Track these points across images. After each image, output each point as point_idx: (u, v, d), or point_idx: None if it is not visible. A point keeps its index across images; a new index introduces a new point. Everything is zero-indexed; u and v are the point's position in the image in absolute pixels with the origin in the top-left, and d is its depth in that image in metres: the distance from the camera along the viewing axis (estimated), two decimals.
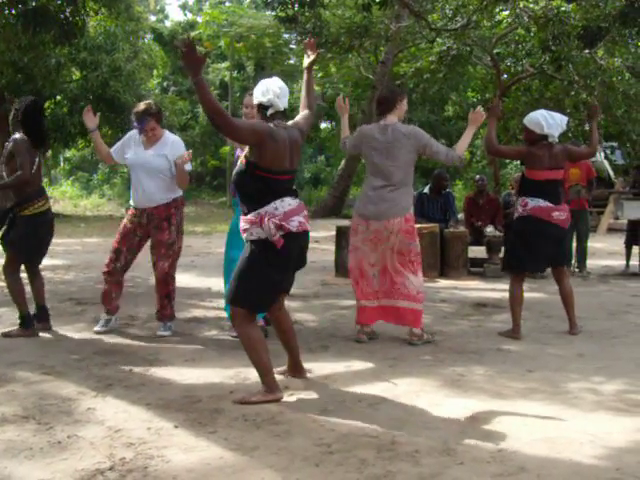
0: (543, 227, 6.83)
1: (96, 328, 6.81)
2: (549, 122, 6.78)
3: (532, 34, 18.89)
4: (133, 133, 6.87)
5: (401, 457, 3.75)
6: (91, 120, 6.72)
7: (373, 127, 6.67)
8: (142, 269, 9.26)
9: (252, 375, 5.17)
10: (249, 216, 4.72)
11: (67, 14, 13.27)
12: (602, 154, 25.17)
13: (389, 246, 6.58)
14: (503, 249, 7.41)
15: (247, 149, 4.78)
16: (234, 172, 4.89)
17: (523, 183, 7.03)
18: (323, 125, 42.42)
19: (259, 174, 4.69)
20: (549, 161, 6.84)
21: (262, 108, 4.85)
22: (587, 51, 17.36)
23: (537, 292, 9.61)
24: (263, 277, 4.74)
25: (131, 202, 6.84)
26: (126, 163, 6.86)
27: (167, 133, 6.87)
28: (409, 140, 6.53)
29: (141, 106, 6.72)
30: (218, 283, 8.18)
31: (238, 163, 4.89)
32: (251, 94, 6.72)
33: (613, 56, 18.62)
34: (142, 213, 6.69)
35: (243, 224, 4.76)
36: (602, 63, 18.19)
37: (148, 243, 6.83)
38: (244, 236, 4.78)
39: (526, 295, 7.39)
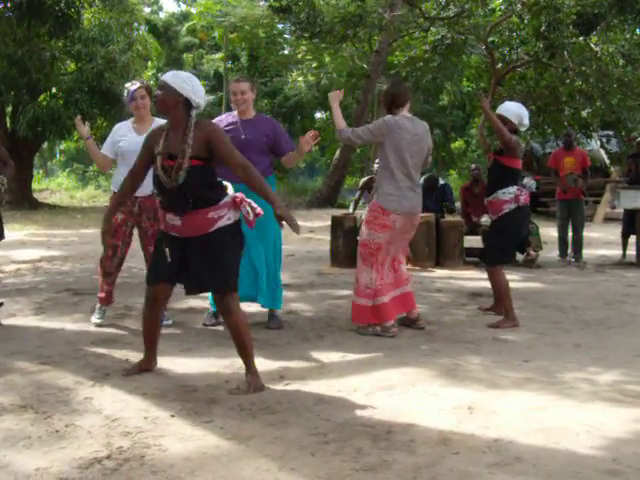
0: (528, 213, 7.27)
1: (95, 320, 6.77)
2: (525, 113, 6.94)
3: (526, 22, 18.86)
4: (120, 125, 6.91)
5: (397, 446, 3.75)
6: (83, 129, 6.67)
7: (400, 118, 6.57)
8: (138, 259, 9.25)
9: None
10: (222, 202, 4.66)
11: (62, 6, 13.23)
12: (598, 142, 25.17)
13: (407, 237, 6.80)
14: (490, 242, 7.32)
15: (191, 150, 4.60)
16: (186, 172, 4.58)
17: (505, 173, 7.02)
18: (318, 115, 42.39)
19: (212, 166, 4.73)
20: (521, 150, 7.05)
21: (190, 106, 4.73)
22: (582, 38, 17.35)
23: (533, 282, 9.63)
24: (240, 259, 4.90)
25: (115, 189, 6.64)
26: (120, 152, 6.68)
27: (156, 119, 6.85)
28: (428, 137, 6.74)
29: (132, 81, 6.93)
30: None
31: (183, 170, 4.57)
32: (238, 80, 6.72)
33: (607, 42, 18.59)
34: (133, 202, 6.63)
35: (215, 213, 4.63)
36: (597, 50, 18.17)
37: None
38: (221, 223, 4.64)
39: (522, 285, 7.41)
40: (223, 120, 6.76)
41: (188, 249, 4.73)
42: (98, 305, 6.88)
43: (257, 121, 6.65)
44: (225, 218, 4.66)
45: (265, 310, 6.93)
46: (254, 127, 6.45)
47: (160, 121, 6.76)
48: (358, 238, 6.88)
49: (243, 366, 4.84)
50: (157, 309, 5.02)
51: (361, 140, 6.74)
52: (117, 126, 6.94)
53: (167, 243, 4.82)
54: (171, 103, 4.69)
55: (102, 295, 6.83)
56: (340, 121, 6.67)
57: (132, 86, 6.70)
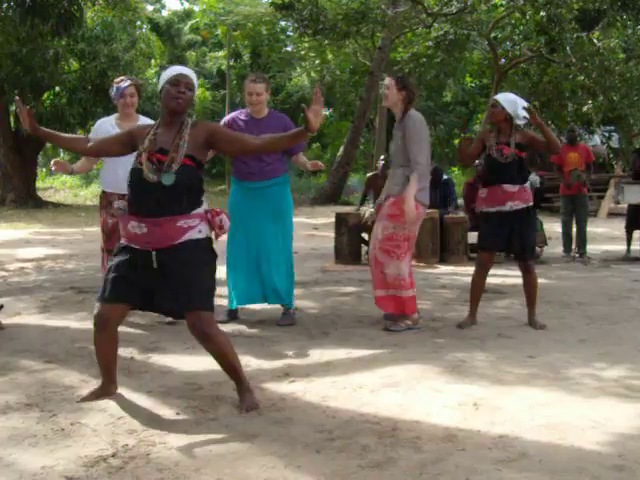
0: None
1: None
2: (520, 103, 6.72)
3: (528, 17, 18.82)
4: (102, 121, 6.89)
5: (402, 443, 3.75)
6: (66, 169, 6.57)
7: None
8: None
9: (252, 362, 5.20)
10: (194, 212, 4.33)
11: (65, 5, 13.23)
12: (601, 138, 25.10)
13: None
14: (529, 237, 6.88)
15: (187, 150, 4.33)
16: (179, 173, 4.27)
17: (525, 166, 6.90)
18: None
19: (200, 173, 4.46)
20: None
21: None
22: (584, 33, 17.30)
23: (538, 278, 9.60)
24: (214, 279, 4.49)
25: (106, 188, 6.76)
26: None
27: (141, 117, 6.83)
28: None
29: (121, 77, 6.92)
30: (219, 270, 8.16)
31: (176, 165, 4.28)
32: (254, 80, 6.68)
33: (609, 38, 18.54)
34: (121, 199, 6.64)
35: (185, 222, 4.27)
36: (599, 45, 18.13)
37: None
38: (191, 234, 4.28)
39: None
40: (235, 118, 6.76)
41: (155, 264, 4.26)
42: None
43: (269, 120, 6.63)
44: (196, 230, 4.30)
45: (267, 308, 6.95)
46: (266, 127, 6.45)
47: (145, 119, 6.73)
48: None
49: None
50: (109, 332, 4.47)
51: (428, 158, 6.64)
52: (99, 123, 6.90)
53: (126, 259, 4.35)
54: (189, 105, 4.49)
55: None
56: (414, 186, 6.45)
57: (122, 82, 6.68)
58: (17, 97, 4.79)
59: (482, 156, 7.04)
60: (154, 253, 4.24)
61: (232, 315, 6.86)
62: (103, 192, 6.81)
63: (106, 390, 4.60)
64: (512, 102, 6.62)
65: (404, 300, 6.51)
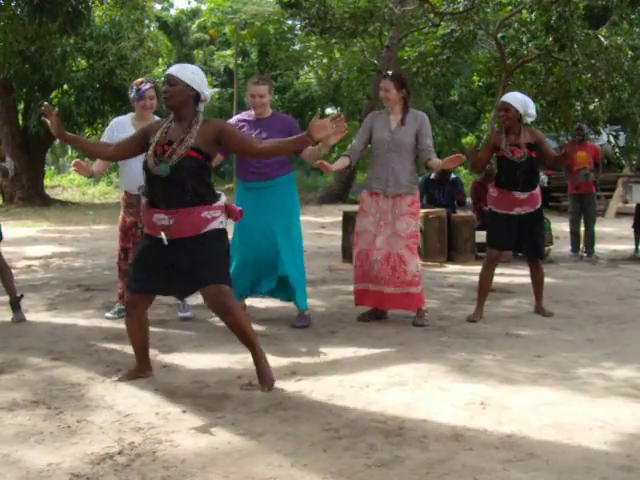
0: None
1: (108, 314, 6.83)
2: (530, 103, 6.80)
3: (533, 17, 18.76)
4: (120, 120, 6.88)
5: (409, 442, 3.74)
6: (87, 171, 6.43)
7: None
8: None
9: None
10: (216, 204, 4.61)
11: (73, 3, 13.24)
12: (609, 137, 25.03)
13: None
14: (540, 236, 7.09)
15: (193, 142, 4.53)
16: (186, 166, 4.50)
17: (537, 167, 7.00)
18: (329, 110, 42.28)
19: (209, 165, 4.68)
20: None
21: (198, 100, 4.69)
22: (591, 31, 17.24)
23: (545, 277, 9.58)
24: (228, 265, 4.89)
25: (126, 188, 6.76)
26: None
27: (156, 118, 6.81)
28: None
29: (141, 78, 6.88)
30: None
31: (176, 157, 4.49)
32: (257, 82, 6.64)
33: (616, 35, 18.44)
34: (140, 199, 6.67)
35: (209, 213, 4.57)
36: (606, 43, 18.04)
37: None
38: (213, 225, 4.58)
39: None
40: (239, 120, 6.74)
41: (176, 251, 4.56)
42: (117, 303, 6.93)
43: (271, 121, 6.60)
44: (218, 221, 4.60)
45: (274, 307, 6.94)
46: (269, 126, 6.45)
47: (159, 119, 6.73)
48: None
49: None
50: (137, 317, 4.77)
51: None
52: (116, 121, 6.89)
53: (150, 248, 4.66)
54: (182, 98, 4.59)
55: (120, 294, 6.88)
56: (437, 160, 6.66)
57: (143, 85, 6.65)
58: (45, 104, 4.78)
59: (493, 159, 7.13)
60: (166, 241, 4.52)
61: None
62: (125, 193, 6.81)
63: (140, 371, 4.93)
64: (522, 102, 6.69)
65: (420, 294, 6.65)
